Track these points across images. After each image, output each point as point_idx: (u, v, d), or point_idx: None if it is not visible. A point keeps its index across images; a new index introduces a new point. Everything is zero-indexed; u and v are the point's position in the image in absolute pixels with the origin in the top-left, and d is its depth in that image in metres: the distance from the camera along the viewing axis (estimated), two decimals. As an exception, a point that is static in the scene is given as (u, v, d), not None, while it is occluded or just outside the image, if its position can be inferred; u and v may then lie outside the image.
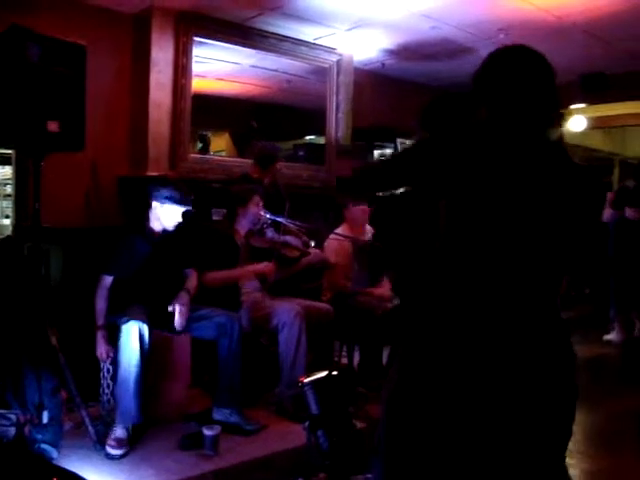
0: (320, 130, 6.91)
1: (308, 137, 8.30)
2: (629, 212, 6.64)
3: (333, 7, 5.30)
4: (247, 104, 7.82)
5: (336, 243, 4.74)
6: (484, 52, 5.45)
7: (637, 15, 5.30)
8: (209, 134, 7.87)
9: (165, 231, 3.91)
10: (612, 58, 6.53)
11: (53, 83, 3.44)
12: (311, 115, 7.13)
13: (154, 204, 3.84)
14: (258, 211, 4.29)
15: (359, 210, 4.81)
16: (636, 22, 5.47)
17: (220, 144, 9.02)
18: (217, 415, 3.80)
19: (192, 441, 3.49)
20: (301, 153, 7.26)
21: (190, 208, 3.94)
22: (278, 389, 4.02)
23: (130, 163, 5.43)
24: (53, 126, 3.44)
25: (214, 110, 7.38)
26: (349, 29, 5.90)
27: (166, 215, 3.85)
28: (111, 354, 3.67)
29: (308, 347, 4.06)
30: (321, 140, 7.02)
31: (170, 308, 3.70)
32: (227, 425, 3.69)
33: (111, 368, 3.73)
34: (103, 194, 5.15)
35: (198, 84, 5.84)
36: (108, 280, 3.74)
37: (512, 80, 1.99)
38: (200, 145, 7.30)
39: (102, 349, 3.69)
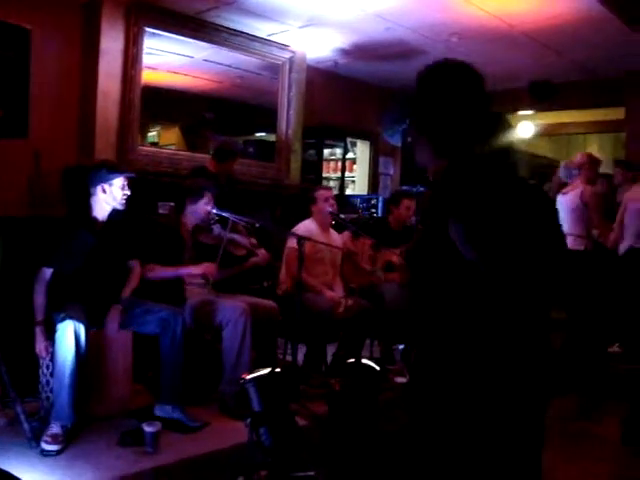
0: (271, 127, 6.89)
1: (259, 134, 8.28)
2: None
3: (287, 4, 5.29)
4: (199, 98, 7.75)
5: (305, 231, 4.68)
6: (437, 55, 5.52)
7: (586, 27, 5.43)
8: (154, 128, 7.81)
9: (111, 218, 3.82)
10: (561, 67, 6.68)
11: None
12: (263, 112, 7.12)
13: (96, 189, 3.75)
14: (208, 208, 4.24)
15: (327, 206, 4.82)
16: (585, 34, 5.61)
17: (170, 138, 8.91)
18: (159, 412, 3.72)
19: (132, 438, 3.41)
20: (251, 149, 7.23)
21: (132, 175, 3.89)
22: (221, 386, 3.98)
23: (78, 153, 5.31)
24: (-4, 113, 3.34)
25: (165, 103, 7.29)
26: (302, 26, 5.90)
27: (112, 194, 3.76)
28: (50, 349, 3.57)
29: (252, 345, 4.03)
30: (272, 137, 6.99)
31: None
32: (169, 422, 3.62)
33: (51, 364, 3.62)
34: (49, 183, 5.01)
35: (149, 76, 5.76)
36: (47, 273, 3.62)
37: (448, 97, 1.96)
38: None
39: (41, 345, 3.57)
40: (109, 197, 3.76)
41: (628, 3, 5.00)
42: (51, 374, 3.58)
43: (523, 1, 5.02)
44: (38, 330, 3.57)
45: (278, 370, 3.21)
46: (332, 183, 8.38)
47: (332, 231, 5.02)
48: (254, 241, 4.66)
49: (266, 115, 6.90)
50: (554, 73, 6.91)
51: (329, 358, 4.83)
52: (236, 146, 5.48)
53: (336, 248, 4.92)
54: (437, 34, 5.88)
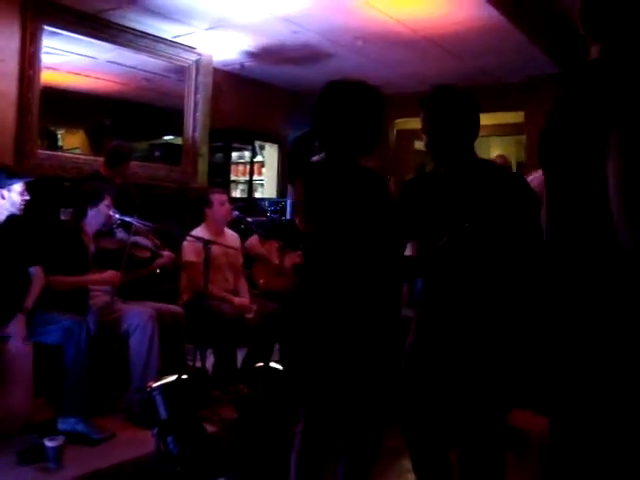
0: (178, 130, 6.78)
1: (166, 137, 8.14)
2: None
3: (192, 5, 5.21)
4: (103, 100, 7.53)
5: (194, 243, 4.63)
6: (344, 58, 5.67)
7: (487, 35, 5.60)
8: (57, 131, 7.53)
9: (9, 220, 3.67)
10: (464, 72, 6.85)
11: None
12: (170, 115, 6.99)
13: None
14: (108, 211, 4.12)
15: (223, 210, 4.75)
16: (486, 41, 5.78)
17: (74, 141, 8.63)
18: (62, 425, 3.58)
19: (32, 454, 3.26)
20: (157, 153, 7.09)
21: (31, 178, 3.76)
22: (128, 395, 3.87)
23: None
24: None
25: (68, 105, 7.06)
26: (208, 28, 5.83)
27: (11, 200, 3.62)
28: None
29: (160, 351, 3.95)
30: (179, 140, 6.89)
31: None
32: (73, 435, 3.50)
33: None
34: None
35: (50, 77, 5.56)
36: None
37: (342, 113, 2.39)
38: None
39: None
40: (7, 203, 3.62)
41: (527, 15, 5.18)
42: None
43: (425, 7, 5.11)
44: None
45: (185, 377, 3.15)
46: (240, 186, 8.34)
47: (227, 232, 4.94)
48: (157, 241, 4.58)
49: (173, 118, 6.79)
50: (458, 77, 7.07)
51: (240, 363, 4.78)
52: (128, 149, 5.33)
53: (232, 249, 4.83)
54: (343, 38, 5.91)
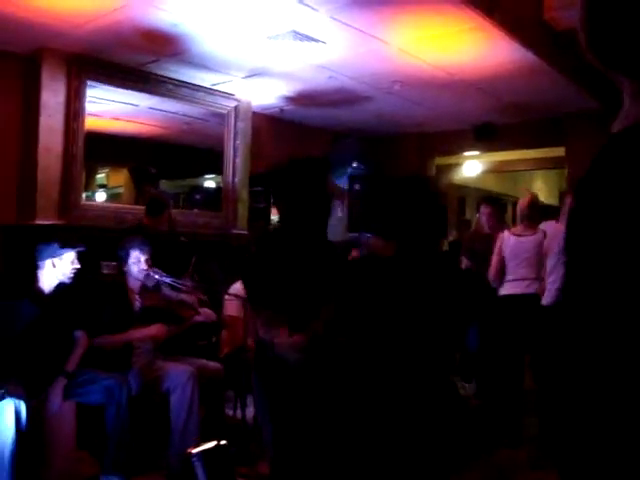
0: (218, 170, 6.86)
1: (207, 175, 8.27)
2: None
3: (229, 57, 5.31)
4: (146, 143, 7.73)
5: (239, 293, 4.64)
6: (381, 100, 5.69)
7: (524, 76, 5.57)
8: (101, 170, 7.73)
9: (57, 288, 3.76)
10: (501, 110, 6.83)
11: None
12: (210, 154, 7.10)
13: (45, 263, 3.69)
14: (139, 268, 4.14)
15: None
16: (523, 81, 5.76)
17: (119, 180, 8.85)
18: (105, 482, 3.65)
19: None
20: (197, 197, 7.20)
21: (82, 248, 3.83)
22: (169, 453, 3.90)
23: (18, 211, 5.20)
24: None
25: (112, 147, 7.25)
26: (246, 77, 5.92)
27: (62, 269, 3.72)
28: None
29: (200, 401, 3.98)
30: (218, 180, 6.94)
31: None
32: (114, 493, 3.55)
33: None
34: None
35: (94, 123, 5.70)
36: None
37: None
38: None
39: None
40: (58, 271, 3.71)
41: (563, 54, 5.13)
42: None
43: (458, 53, 5.11)
44: None
45: (224, 443, 3.17)
46: (281, 225, 8.34)
47: None
48: (202, 297, 4.61)
49: (214, 157, 6.87)
50: (496, 116, 7.06)
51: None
52: (166, 198, 5.41)
53: None
54: (379, 82, 5.95)
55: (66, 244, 3.79)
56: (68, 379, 3.64)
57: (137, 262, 4.11)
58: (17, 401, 3.31)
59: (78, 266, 3.78)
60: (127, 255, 4.12)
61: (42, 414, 3.60)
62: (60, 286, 3.77)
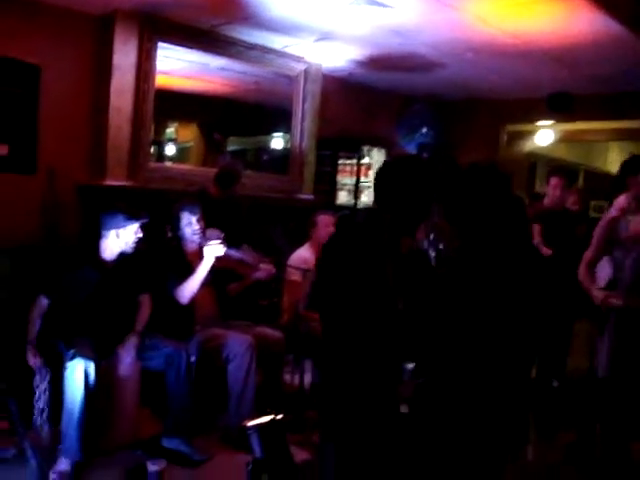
0: (286, 128, 6.84)
1: (275, 134, 8.26)
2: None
3: (300, 20, 5.23)
4: (214, 99, 7.75)
5: (300, 261, 4.65)
6: (454, 67, 5.51)
7: (604, 45, 5.33)
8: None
9: (120, 257, 3.84)
10: (577, 80, 6.57)
11: (3, 104, 3.34)
12: (278, 113, 7.08)
13: (109, 233, 3.77)
14: (192, 230, 4.18)
15: (328, 232, 4.75)
16: (603, 51, 5.50)
17: (187, 135, 8.92)
18: (167, 443, 3.79)
19: (135, 476, 3.45)
20: (265, 157, 7.19)
21: (147, 220, 3.89)
22: (226, 418, 4.00)
23: (90, 170, 5.29)
24: (2, 150, 3.35)
25: (181, 102, 7.30)
26: (316, 40, 5.83)
27: (125, 239, 3.79)
28: (39, 365, 3.57)
29: (259, 367, 4.06)
30: (287, 138, 6.90)
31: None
32: (174, 454, 3.68)
33: (45, 391, 3.62)
34: (62, 203, 5.01)
35: (164, 80, 5.73)
36: (44, 302, 3.66)
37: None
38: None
39: (32, 361, 3.57)
40: (121, 242, 3.78)
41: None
42: (47, 403, 3.60)
43: (538, 22, 4.91)
44: (28, 347, 3.59)
45: (279, 417, 3.21)
46: (347, 188, 8.30)
47: None
48: (261, 255, 4.63)
49: (282, 117, 6.86)
50: (572, 86, 6.79)
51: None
52: (238, 170, 5.39)
53: None
54: (452, 49, 5.78)
55: (132, 214, 3.83)
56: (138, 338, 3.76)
57: (189, 224, 4.16)
58: (87, 362, 3.44)
59: (141, 235, 3.84)
60: (178, 219, 4.18)
61: (111, 374, 3.74)
62: (122, 255, 3.86)
